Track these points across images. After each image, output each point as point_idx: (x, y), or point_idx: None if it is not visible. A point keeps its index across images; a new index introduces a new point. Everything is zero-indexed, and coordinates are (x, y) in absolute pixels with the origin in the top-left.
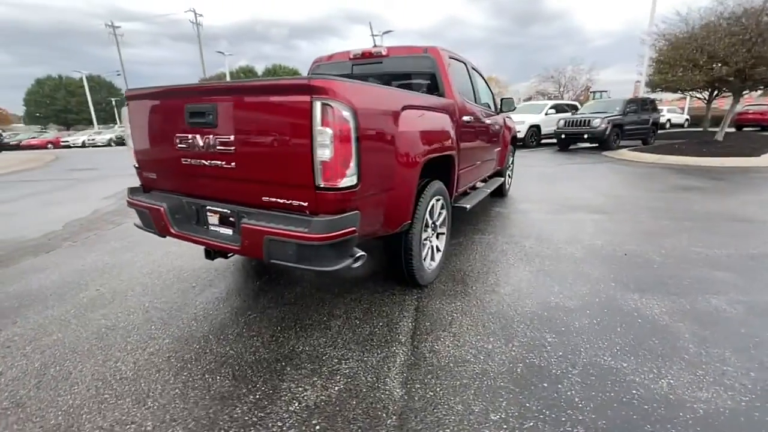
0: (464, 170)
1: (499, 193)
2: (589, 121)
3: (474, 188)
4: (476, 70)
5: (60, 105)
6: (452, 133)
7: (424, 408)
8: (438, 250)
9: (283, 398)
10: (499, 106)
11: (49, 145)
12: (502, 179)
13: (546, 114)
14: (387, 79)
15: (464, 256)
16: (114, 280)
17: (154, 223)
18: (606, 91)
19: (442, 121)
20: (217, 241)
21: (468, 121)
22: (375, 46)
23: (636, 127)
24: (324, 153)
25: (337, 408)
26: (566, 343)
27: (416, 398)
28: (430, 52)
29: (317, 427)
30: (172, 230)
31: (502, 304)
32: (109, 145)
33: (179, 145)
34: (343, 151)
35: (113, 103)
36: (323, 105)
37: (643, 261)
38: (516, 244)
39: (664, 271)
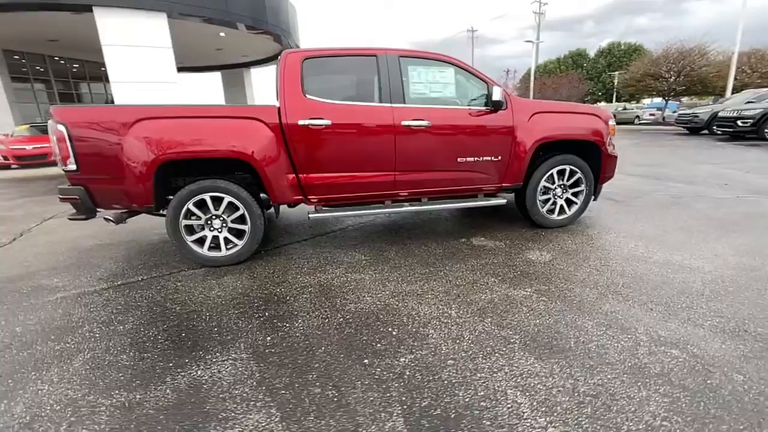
0: (320, 175)
1: (530, 219)
2: None
3: (423, 199)
4: (441, 60)
5: None
6: (258, 137)
7: None
8: (229, 242)
9: None
10: (486, 101)
11: None
12: (499, 200)
13: None
14: None
15: (254, 270)
16: None
17: None
18: None
19: (222, 127)
20: None
21: (324, 125)
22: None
23: None
24: (55, 150)
25: None
26: None
27: None
28: (282, 55)
29: None
30: None
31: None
32: None
33: None
34: (63, 148)
35: None
36: (50, 121)
37: None
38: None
39: None
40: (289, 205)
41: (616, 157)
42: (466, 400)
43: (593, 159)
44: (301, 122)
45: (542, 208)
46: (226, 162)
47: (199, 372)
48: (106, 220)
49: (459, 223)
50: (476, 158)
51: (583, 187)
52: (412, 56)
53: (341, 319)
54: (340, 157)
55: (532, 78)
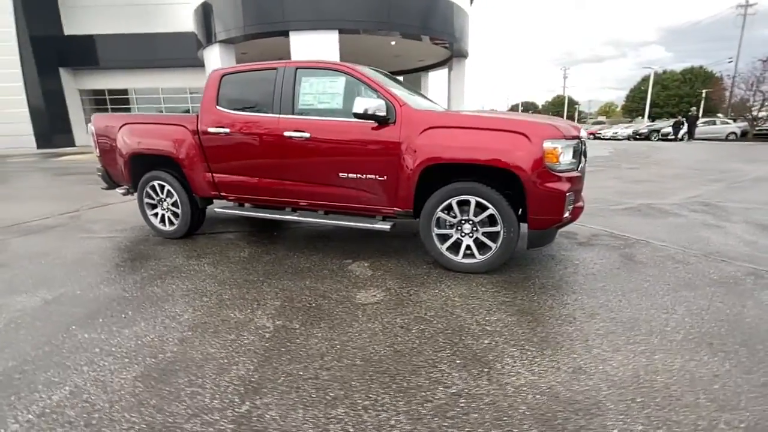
0: (226, 176)
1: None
2: None
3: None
4: (333, 70)
5: (651, 98)
6: (180, 140)
7: None
8: (171, 221)
9: None
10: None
11: (589, 136)
12: (382, 225)
13: None
14: None
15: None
16: None
17: None
18: None
19: (159, 131)
20: None
21: (224, 133)
22: None
23: None
24: (91, 142)
25: None
26: None
27: None
28: (210, 72)
29: None
30: None
31: None
32: (627, 139)
33: None
34: (93, 141)
35: (703, 95)
36: (89, 124)
37: None
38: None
39: None
40: (216, 199)
41: (560, 194)
42: (66, 381)
43: (519, 192)
44: (210, 129)
45: (441, 244)
46: (167, 158)
47: (20, 299)
48: (120, 192)
49: (380, 244)
50: (359, 175)
51: (499, 227)
52: (308, 67)
53: (137, 294)
54: (239, 162)
55: None
